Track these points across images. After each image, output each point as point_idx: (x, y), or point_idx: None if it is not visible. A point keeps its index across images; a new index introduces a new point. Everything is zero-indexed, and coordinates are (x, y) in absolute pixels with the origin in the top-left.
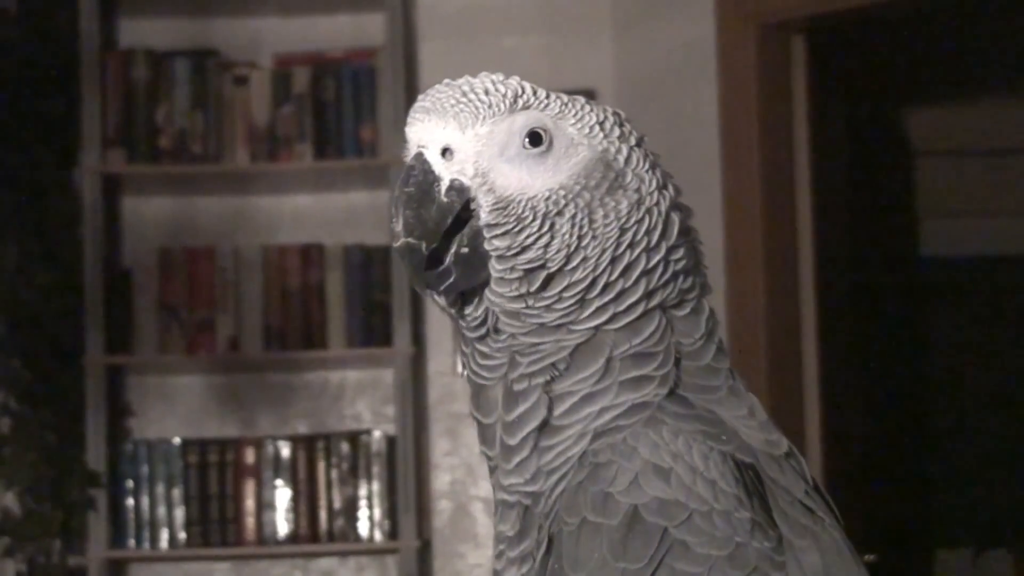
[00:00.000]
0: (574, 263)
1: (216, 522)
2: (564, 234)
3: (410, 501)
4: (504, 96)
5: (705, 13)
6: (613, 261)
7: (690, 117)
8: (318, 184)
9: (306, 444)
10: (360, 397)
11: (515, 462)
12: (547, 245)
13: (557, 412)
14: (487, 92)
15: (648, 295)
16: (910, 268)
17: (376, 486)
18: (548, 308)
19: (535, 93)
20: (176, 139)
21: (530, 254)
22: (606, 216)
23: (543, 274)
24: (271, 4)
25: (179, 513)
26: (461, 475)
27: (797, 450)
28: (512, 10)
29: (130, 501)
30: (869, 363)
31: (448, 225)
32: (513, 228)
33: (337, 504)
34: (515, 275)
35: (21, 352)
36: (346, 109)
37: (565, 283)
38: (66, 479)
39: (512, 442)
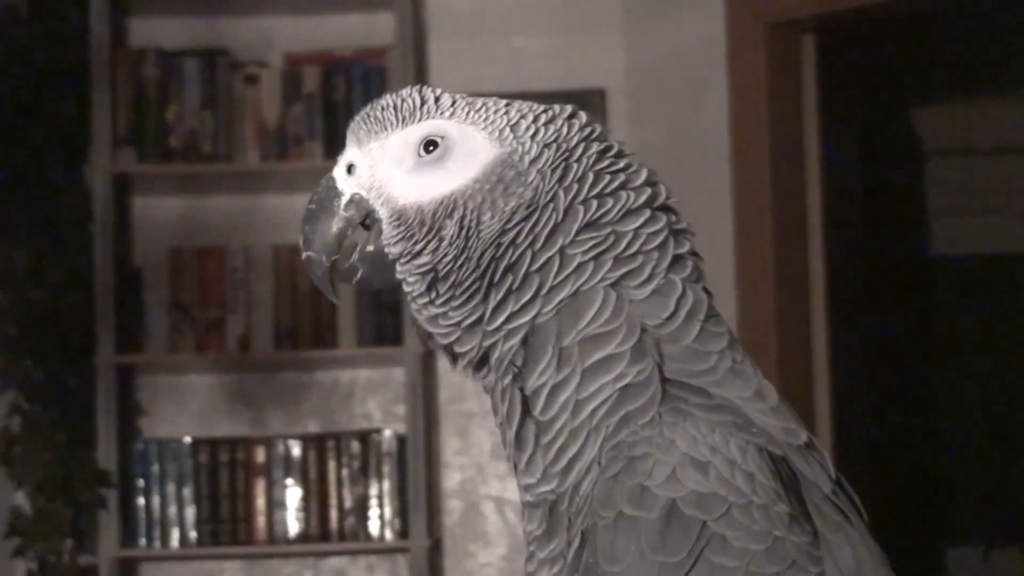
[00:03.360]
0: (459, 263)
1: (227, 521)
2: (452, 236)
3: (420, 500)
4: (399, 110)
5: (715, 12)
6: (495, 261)
7: (700, 115)
8: None
9: (317, 443)
10: (371, 396)
11: (524, 460)
12: (435, 250)
13: (538, 409)
14: (384, 108)
15: (554, 287)
16: (920, 266)
17: (387, 485)
18: (451, 308)
19: (439, 101)
20: (186, 138)
21: (422, 259)
22: (492, 217)
23: (432, 276)
24: (281, 3)
25: (190, 512)
26: (472, 474)
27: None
28: (522, 9)
29: (141, 500)
30: (879, 361)
31: (349, 237)
32: (405, 235)
33: (348, 503)
34: (413, 277)
35: (32, 351)
36: (356, 108)
37: (451, 281)
38: (77, 478)
39: (511, 438)
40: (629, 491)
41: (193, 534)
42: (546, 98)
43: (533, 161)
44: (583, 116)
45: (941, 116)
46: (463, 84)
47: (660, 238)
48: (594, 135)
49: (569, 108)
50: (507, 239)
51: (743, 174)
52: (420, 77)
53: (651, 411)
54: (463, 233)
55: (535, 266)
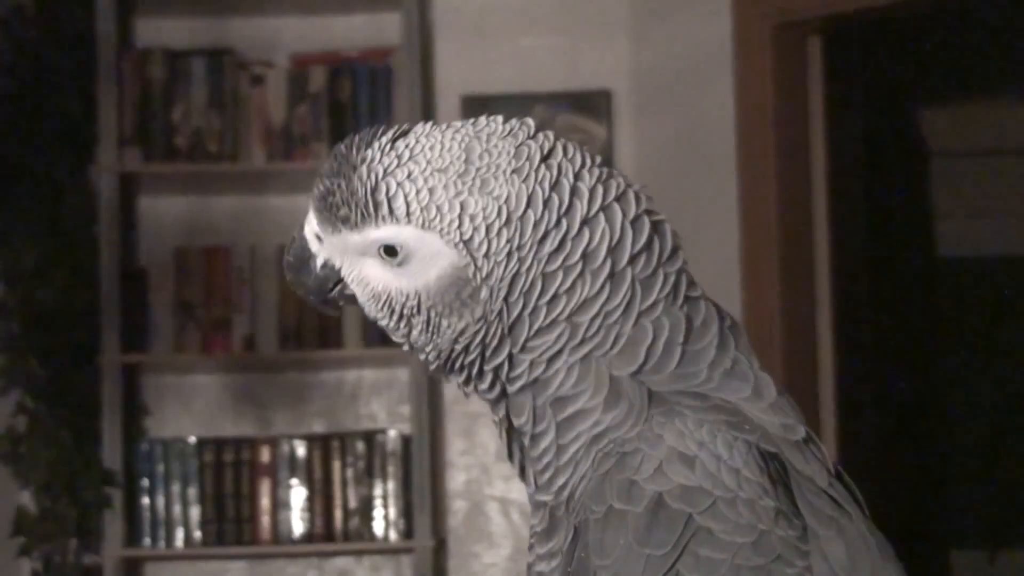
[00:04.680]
0: (429, 349)
1: (231, 521)
2: (420, 330)
3: (425, 501)
4: (353, 213)
5: (722, 13)
6: (451, 361)
7: (706, 116)
8: None
9: (321, 443)
10: (376, 396)
11: (518, 468)
12: (407, 335)
13: (525, 441)
14: (337, 207)
15: (511, 379)
16: (926, 268)
17: (391, 485)
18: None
19: (392, 205)
20: (192, 138)
21: (397, 335)
22: (448, 327)
23: (409, 345)
24: (288, 3)
25: (194, 512)
26: (476, 475)
27: (815, 435)
28: (529, 10)
29: (146, 500)
30: (885, 363)
31: (330, 287)
32: (377, 313)
33: (352, 503)
34: (390, 331)
35: (37, 351)
36: (362, 108)
37: (426, 355)
38: (82, 478)
39: (502, 437)
40: (618, 485)
41: (198, 534)
42: (552, 99)
43: (485, 279)
44: (550, 175)
45: (947, 117)
46: (469, 84)
47: (626, 300)
48: (559, 206)
49: (532, 180)
50: (459, 346)
51: (749, 175)
52: (426, 77)
53: (639, 426)
54: (428, 330)
55: (488, 366)
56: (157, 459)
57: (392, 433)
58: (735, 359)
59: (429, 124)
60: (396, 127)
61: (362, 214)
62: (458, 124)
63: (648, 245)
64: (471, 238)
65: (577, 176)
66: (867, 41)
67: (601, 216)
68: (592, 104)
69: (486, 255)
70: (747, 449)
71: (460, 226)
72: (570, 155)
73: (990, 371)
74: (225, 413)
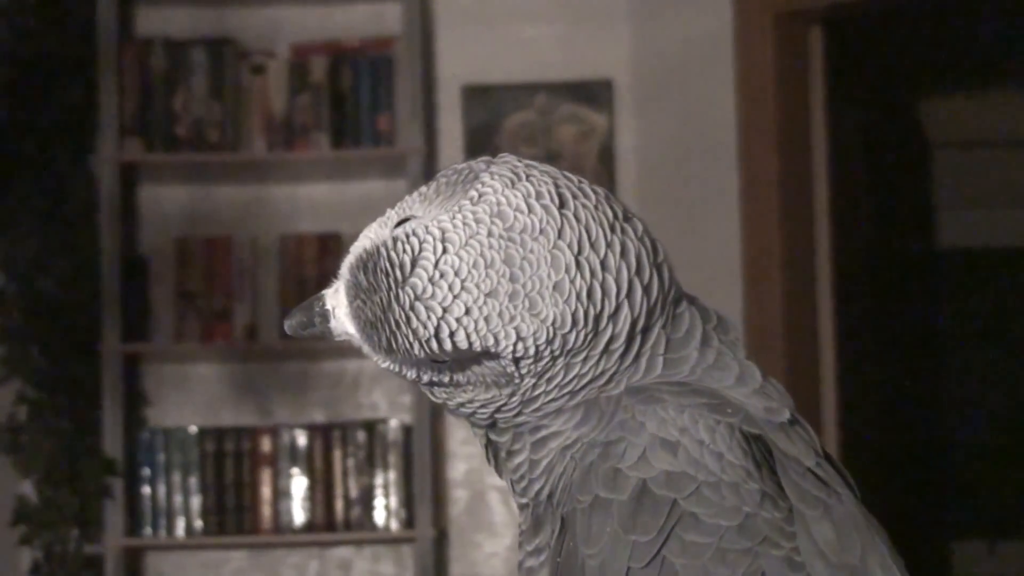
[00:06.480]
0: (439, 394)
1: (232, 510)
2: (440, 390)
3: (426, 490)
4: (419, 345)
5: (723, 3)
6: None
7: (707, 107)
8: (335, 173)
9: (323, 433)
10: (377, 386)
11: (493, 466)
12: (419, 381)
13: (503, 453)
14: (395, 341)
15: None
16: (928, 260)
17: (392, 475)
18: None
19: (455, 341)
20: (193, 128)
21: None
22: (471, 390)
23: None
24: None
25: (195, 501)
26: (477, 464)
27: (803, 418)
28: None
29: (147, 489)
30: (886, 354)
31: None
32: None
33: (353, 493)
34: None
35: (38, 340)
36: (363, 98)
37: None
38: (83, 467)
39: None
40: (603, 474)
41: (199, 523)
42: (553, 88)
43: (522, 376)
44: (585, 284)
45: (948, 108)
46: (470, 74)
47: (630, 358)
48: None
49: (572, 297)
50: (474, 406)
51: (750, 165)
52: (427, 67)
53: (608, 428)
54: (449, 389)
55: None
56: (158, 448)
57: (393, 423)
58: (719, 352)
59: (460, 222)
60: (407, 216)
61: (424, 352)
62: (484, 216)
63: (653, 307)
64: (521, 356)
65: (604, 265)
66: (868, 31)
67: (625, 304)
68: (593, 94)
69: (530, 365)
70: (729, 432)
71: (514, 351)
72: (593, 238)
73: (992, 361)
74: (226, 403)
